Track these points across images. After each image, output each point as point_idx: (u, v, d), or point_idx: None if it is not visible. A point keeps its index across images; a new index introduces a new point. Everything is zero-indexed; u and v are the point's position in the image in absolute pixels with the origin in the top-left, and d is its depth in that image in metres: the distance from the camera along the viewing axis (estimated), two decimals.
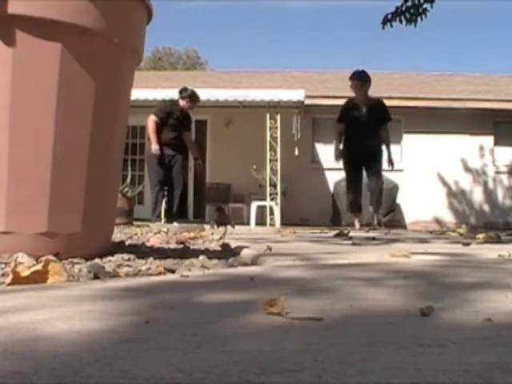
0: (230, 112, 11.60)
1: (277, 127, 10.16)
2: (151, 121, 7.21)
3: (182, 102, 7.40)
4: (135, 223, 6.44)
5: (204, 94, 10.33)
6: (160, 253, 2.30)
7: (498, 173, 12.20)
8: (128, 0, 2.07)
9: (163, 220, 7.34)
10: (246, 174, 10.76)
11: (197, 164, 8.18)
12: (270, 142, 10.18)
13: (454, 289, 1.26)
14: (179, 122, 7.38)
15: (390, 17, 8.12)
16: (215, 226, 6.48)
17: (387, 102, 12.38)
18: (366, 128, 6.73)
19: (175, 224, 7.02)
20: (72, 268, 1.66)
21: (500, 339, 0.79)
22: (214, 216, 7.72)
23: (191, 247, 2.77)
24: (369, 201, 7.05)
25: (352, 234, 4.49)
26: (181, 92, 7.45)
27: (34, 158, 1.84)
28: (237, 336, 0.80)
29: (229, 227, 6.13)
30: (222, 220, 7.27)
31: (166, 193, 7.53)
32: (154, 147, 7.13)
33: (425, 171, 11.84)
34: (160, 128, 7.25)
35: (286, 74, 14.92)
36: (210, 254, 2.32)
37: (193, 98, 7.45)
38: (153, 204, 7.45)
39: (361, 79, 6.91)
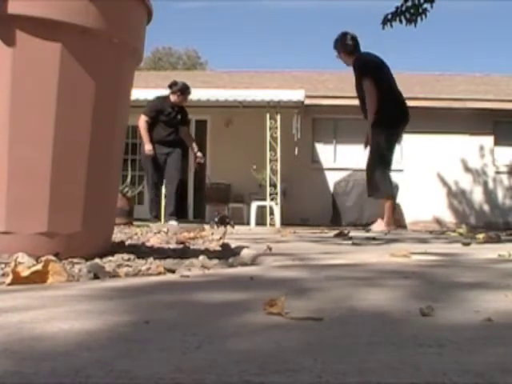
0: (229, 112, 11.61)
1: (277, 127, 10.16)
2: (142, 121, 7.04)
3: (173, 97, 7.16)
4: (135, 223, 6.45)
5: (204, 94, 10.35)
6: (160, 253, 2.30)
7: (497, 173, 12.21)
8: (128, 0, 2.07)
9: (163, 220, 7.29)
10: (246, 174, 10.76)
11: (197, 157, 7.78)
12: (270, 142, 10.19)
13: (453, 289, 1.26)
14: (172, 118, 7.17)
15: (390, 17, 8.13)
16: (215, 226, 6.46)
17: None
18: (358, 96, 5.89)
19: (173, 222, 6.86)
20: (72, 268, 1.66)
21: (500, 339, 0.79)
22: (215, 218, 7.62)
23: (191, 247, 2.77)
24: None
25: (352, 233, 4.49)
26: (170, 86, 7.23)
27: (34, 157, 1.84)
28: (237, 336, 0.80)
29: (228, 227, 6.12)
30: (223, 222, 7.21)
31: (162, 191, 7.34)
32: (147, 147, 6.96)
33: (425, 171, 11.84)
34: (152, 127, 7.07)
35: (286, 74, 14.93)
36: (210, 254, 2.32)
37: (183, 90, 7.19)
38: (149, 205, 7.31)
39: (334, 49, 5.93)
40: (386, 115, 5.62)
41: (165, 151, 7.15)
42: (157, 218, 7.21)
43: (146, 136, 7.01)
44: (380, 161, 5.70)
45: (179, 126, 7.34)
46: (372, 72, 5.65)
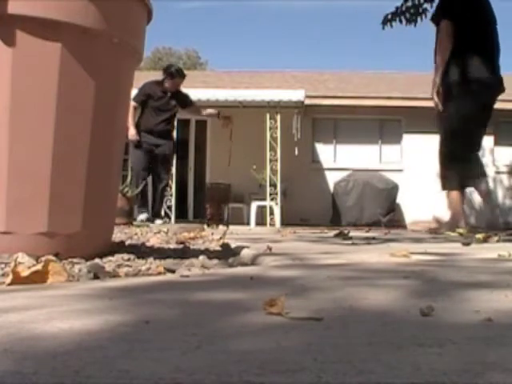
0: (230, 112, 11.60)
1: (277, 127, 10.17)
2: (129, 106, 6.51)
3: (166, 83, 6.62)
4: (135, 223, 6.43)
5: (204, 94, 10.35)
6: (160, 253, 2.30)
7: (498, 173, 12.21)
8: (128, 0, 2.07)
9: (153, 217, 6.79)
10: (246, 174, 10.76)
11: (220, 117, 7.15)
12: (270, 142, 10.19)
13: (453, 288, 1.26)
14: (164, 104, 6.59)
15: (389, 17, 8.15)
16: (206, 226, 6.35)
17: (387, 102, 12.38)
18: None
19: (157, 221, 6.50)
20: (72, 268, 1.66)
21: (500, 339, 0.79)
22: (207, 216, 7.47)
23: (191, 247, 2.77)
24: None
25: (352, 234, 4.49)
26: (164, 70, 6.70)
27: (34, 157, 1.84)
28: (237, 336, 0.80)
29: (224, 227, 6.10)
30: (215, 221, 7.08)
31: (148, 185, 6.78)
32: (130, 132, 6.32)
33: (425, 171, 11.84)
34: (142, 114, 6.56)
35: (286, 74, 14.93)
36: (210, 254, 2.32)
37: (173, 74, 6.57)
38: (138, 202, 6.71)
39: None
40: (463, 74, 4.25)
41: (153, 142, 6.59)
42: (143, 206, 6.75)
43: (130, 121, 6.34)
44: (449, 137, 4.61)
45: (175, 113, 6.80)
46: (451, 11, 4.19)
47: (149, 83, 6.70)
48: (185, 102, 6.89)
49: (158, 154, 6.66)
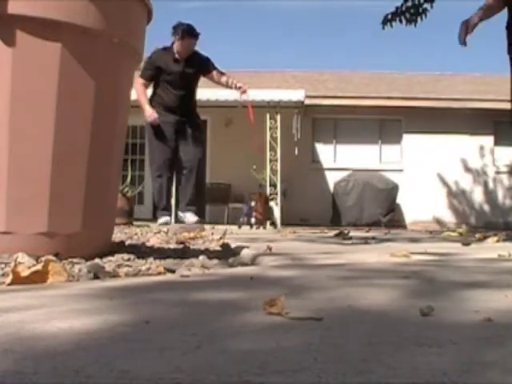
0: (229, 112, 11.60)
1: (277, 127, 10.16)
2: (138, 84, 5.23)
3: (176, 46, 5.34)
4: (135, 223, 6.43)
5: (204, 94, 10.34)
6: (160, 253, 2.30)
7: (498, 173, 12.20)
8: (128, 0, 2.07)
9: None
10: (245, 174, 10.75)
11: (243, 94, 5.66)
12: (270, 142, 10.19)
13: (453, 288, 1.26)
14: (181, 75, 5.35)
15: (389, 17, 8.16)
16: (253, 227, 5.62)
17: (387, 102, 12.35)
18: None
19: (191, 215, 5.35)
20: (72, 268, 1.66)
21: (500, 339, 0.79)
22: (245, 218, 6.86)
23: (191, 247, 2.77)
24: None
25: (352, 233, 4.49)
26: (172, 31, 5.40)
27: (34, 157, 1.84)
28: (237, 336, 0.80)
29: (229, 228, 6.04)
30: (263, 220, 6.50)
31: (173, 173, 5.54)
32: (147, 113, 5.26)
33: (425, 171, 11.84)
34: (155, 91, 5.48)
35: (286, 74, 14.91)
36: (210, 254, 2.32)
37: (184, 34, 5.27)
38: (157, 194, 5.51)
39: None
40: None
41: (174, 119, 5.38)
42: (166, 210, 5.55)
43: (143, 100, 5.34)
44: None
45: (194, 85, 5.54)
46: None
47: (156, 53, 5.48)
48: (206, 66, 5.49)
49: (184, 134, 5.42)
